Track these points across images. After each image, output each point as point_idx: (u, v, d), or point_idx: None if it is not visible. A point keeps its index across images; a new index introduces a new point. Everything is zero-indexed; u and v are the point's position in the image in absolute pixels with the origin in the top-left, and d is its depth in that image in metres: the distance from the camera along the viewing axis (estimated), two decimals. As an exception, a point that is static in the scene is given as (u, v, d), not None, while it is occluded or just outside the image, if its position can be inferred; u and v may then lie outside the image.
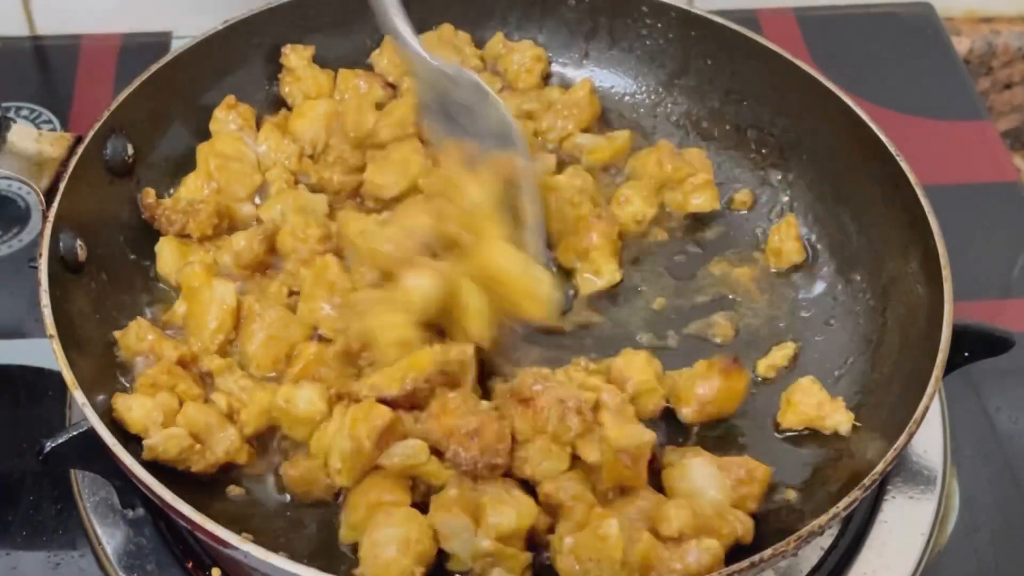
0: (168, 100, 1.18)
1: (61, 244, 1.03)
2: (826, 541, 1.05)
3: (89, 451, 0.93)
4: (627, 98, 1.32)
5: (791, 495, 0.99)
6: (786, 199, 1.22)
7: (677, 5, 1.27)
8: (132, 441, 0.95)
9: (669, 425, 1.04)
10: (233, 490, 0.98)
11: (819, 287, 1.16)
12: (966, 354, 1.02)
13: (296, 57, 1.25)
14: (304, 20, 1.27)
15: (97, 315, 1.04)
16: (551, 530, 0.94)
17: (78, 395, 0.92)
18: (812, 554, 1.04)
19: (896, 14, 1.63)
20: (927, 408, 0.93)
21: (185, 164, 1.18)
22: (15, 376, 1.19)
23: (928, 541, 1.05)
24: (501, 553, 0.90)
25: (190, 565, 1.02)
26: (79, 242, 1.06)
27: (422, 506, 0.94)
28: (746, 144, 1.26)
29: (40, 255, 1.00)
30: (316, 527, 0.97)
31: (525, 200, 1.08)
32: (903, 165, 1.10)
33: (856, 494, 0.89)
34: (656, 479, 0.98)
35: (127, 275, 1.10)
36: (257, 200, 1.17)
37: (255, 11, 1.23)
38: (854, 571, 1.03)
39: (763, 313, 1.14)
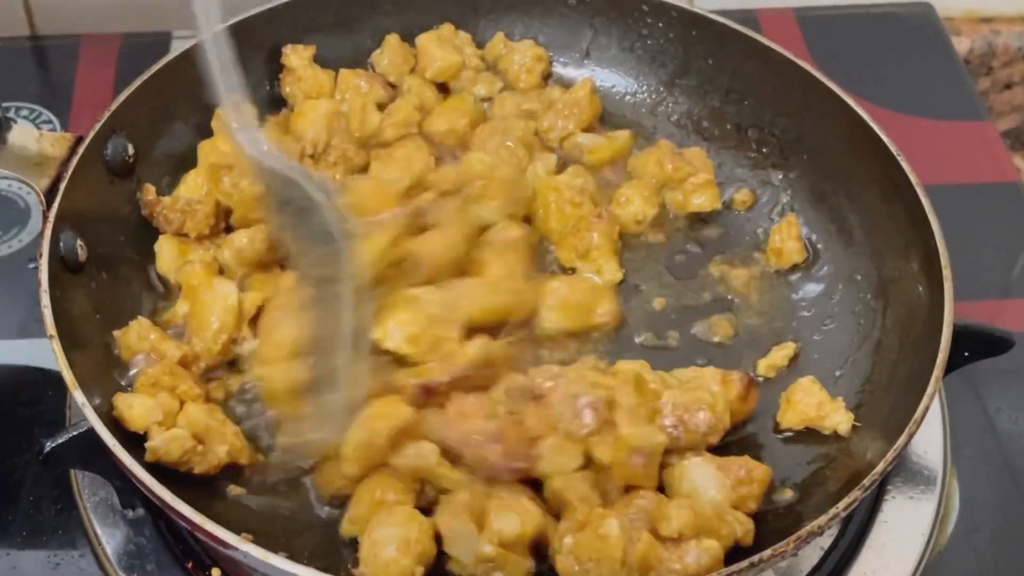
0: (169, 100, 1.18)
1: (61, 244, 1.03)
2: (826, 541, 1.05)
3: (89, 451, 0.93)
4: (628, 98, 1.32)
5: (791, 495, 0.99)
6: (787, 199, 1.22)
7: (678, 4, 1.27)
8: (132, 441, 0.94)
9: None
10: (233, 490, 0.98)
11: (819, 287, 1.16)
12: (966, 354, 1.02)
13: (297, 57, 1.25)
14: (305, 20, 1.27)
15: (98, 315, 1.04)
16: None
17: (78, 395, 0.92)
18: (812, 554, 1.04)
19: (896, 14, 1.63)
20: (927, 408, 0.93)
21: (186, 162, 1.18)
22: (15, 376, 1.19)
23: (928, 541, 1.05)
24: (503, 559, 0.90)
25: (190, 565, 1.02)
26: (79, 242, 1.06)
27: (427, 510, 0.94)
28: (747, 144, 1.26)
29: (40, 255, 1.00)
30: (316, 527, 0.97)
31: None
32: (904, 165, 1.10)
33: (856, 494, 0.88)
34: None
35: (128, 275, 1.10)
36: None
37: (255, 11, 1.23)
38: (854, 571, 1.03)
39: (763, 313, 1.14)
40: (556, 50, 1.33)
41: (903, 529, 1.06)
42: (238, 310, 1.05)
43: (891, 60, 1.56)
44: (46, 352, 0.95)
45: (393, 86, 1.27)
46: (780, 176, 1.23)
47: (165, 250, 1.11)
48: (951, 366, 0.98)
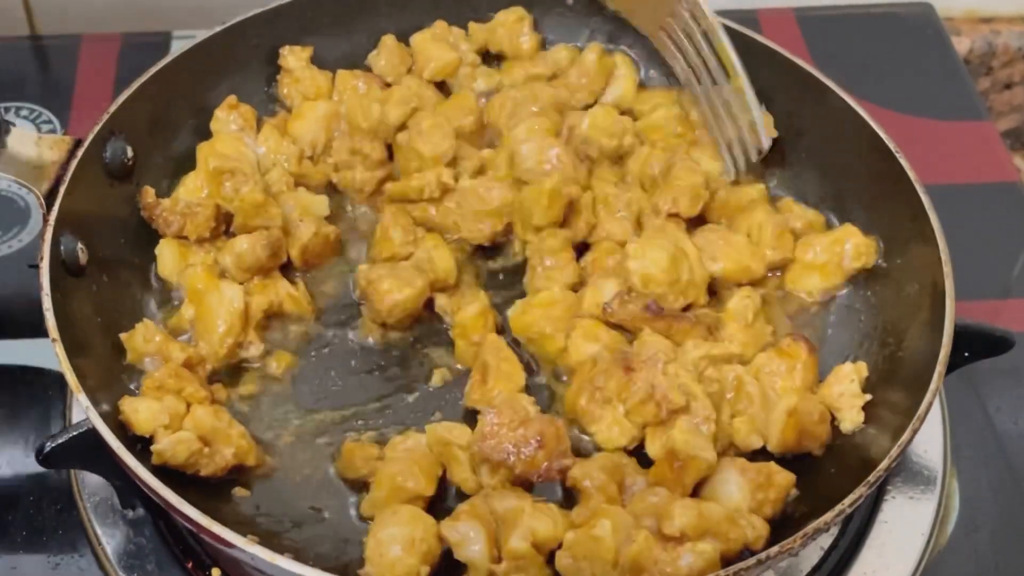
0: (167, 102, 1.18)
1: (62, 247, 1.03)
2: (826, 541, 1.05)
3: (89, 451, 0.93)
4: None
5: (792, 493, 0.99)
6: (786, 198, 1.22)
7: (676, 4, 1.27)
8: (135, 443, 0.94)
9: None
10: (239, 492, 0.98)
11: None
12: (966, 354, 1.02)
13: (294, 58, 1.25)
14: (302, 21, 1.27)
15: (99, 318, 1.04)
16: None
17: (82, 399, 0.92)
18: (812, 554, 1.04)
19: (896, 14, 1.63)
20: (930, 405, 0.94)
21: (185, 164, 1.18)
22: (15, 376, 1.19)
23: (928, 541, 1.05)
24: (532, 558, 0.90)
25: (190, 565, 1.02)
26: (80, 245, 1.05)
27: (446, 511, 0.94)
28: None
29: (41, 259, 0.99)
30: (319, 528, 0.97)
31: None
32: (903, 163, 1.10)
33: (861, 491, 0.89)
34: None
35: (129, 278, 1.10)
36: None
37: (253, 13, 1.23)
38: (854, 571, 1.03)
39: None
40: (555, 49, 1.33)
41: (903, 529, 1.06)
42: (244, 313, 1.05)
43: (891, 60, 1.56)
44: (46, 352, 0.95)
45: (390, 87, 1.26)
46: (780, 175, 1.23)
47: (166, 253, 1.11)
48: (951, 366, 0.98)
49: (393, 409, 1.06)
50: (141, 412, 0.95)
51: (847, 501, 0.88)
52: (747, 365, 1.04)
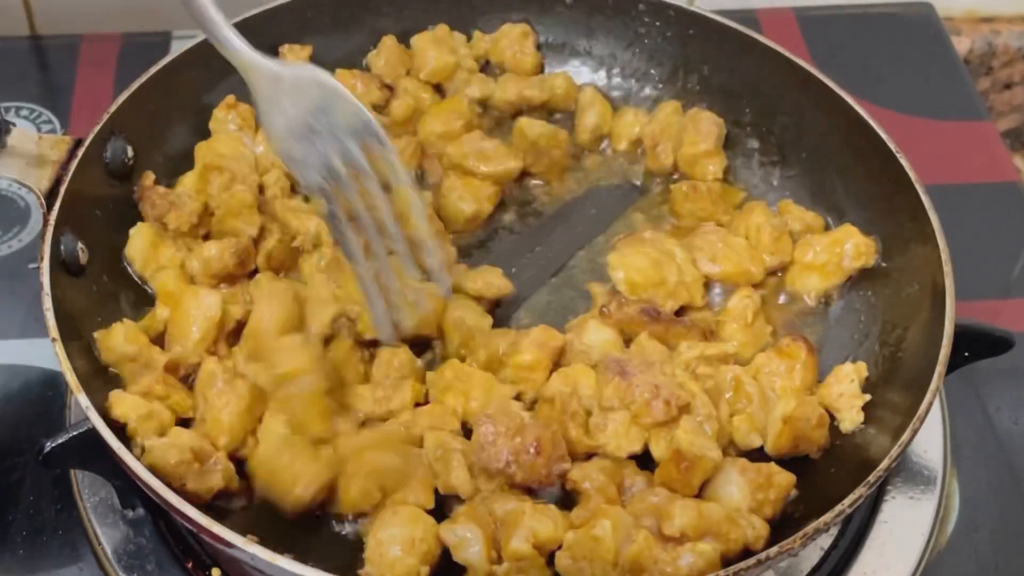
0: (167, 101, 1.18)
1: (62, 247, 1.03)
2: (826, 541, 1.05)
3: (89, 451, 0.93)
4: (626, 97, 1.32)
5: (792, 494, 0.99)
6: (786, 197, 1.22)
7: (675, 3, 1.27)
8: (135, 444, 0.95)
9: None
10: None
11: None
12: (966, 354, 1.02)
13: (294, 57, 1.25)
14: (302, 21, 1.27)
15: (99, 317, 1.04)
16: None
17: (82, 398, 0.92)
18: (812, 554, 1.04)
19: (896, 14, 1.63)
20: (930, 405, 0.94)
21: (185, 164, 1.18)
22: (15, 376, 1.19)
23: (928, 541, 1.05)
24: (534, 559, 0.90)
25: (190, 565, 1.02)
26: (80, 245, 1.05)
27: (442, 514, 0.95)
28: (746, 142, 1.26)
29: (41, 258, 0.99)
30: (319, 528, 0.97)
31: (404, 191, 1.01)
32: (903, 163, 1.10)
33: (861, 491, 0.89)
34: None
35: (129, 277, 1.10)
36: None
37: (254, 12, 1.23)
38: (854, 571, 1.03)
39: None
40: (554, 49, 1.33)
41: (903, 529, 1.06)
42: (220, 322, 1.04)
43: (891, 60, 1.57)
44: (46, 352, 0.95)
45: (389, 87, 1.26)
46: (779, 175, 1.23)
47: (138, 237, 1.09)
48: (951, 366, 0.98)
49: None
50: (125, 401, 0.95)
51: (847, 501, 0.88)
52: (746, 365, 1.04)
